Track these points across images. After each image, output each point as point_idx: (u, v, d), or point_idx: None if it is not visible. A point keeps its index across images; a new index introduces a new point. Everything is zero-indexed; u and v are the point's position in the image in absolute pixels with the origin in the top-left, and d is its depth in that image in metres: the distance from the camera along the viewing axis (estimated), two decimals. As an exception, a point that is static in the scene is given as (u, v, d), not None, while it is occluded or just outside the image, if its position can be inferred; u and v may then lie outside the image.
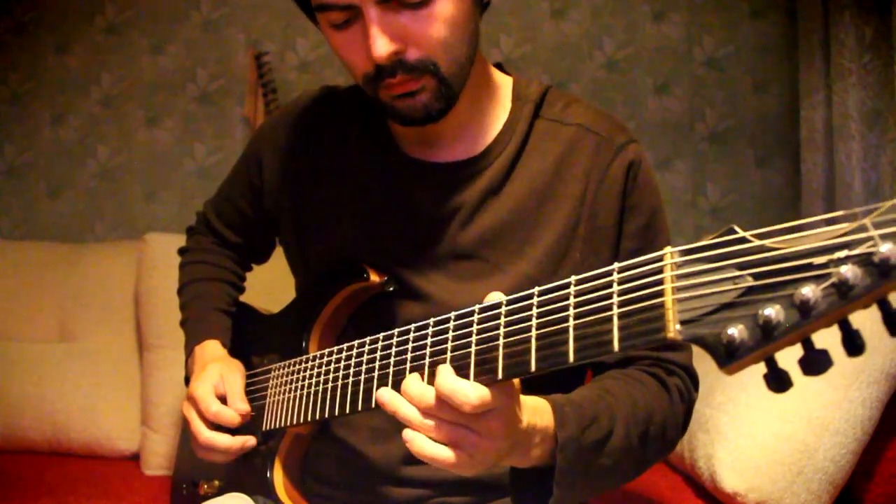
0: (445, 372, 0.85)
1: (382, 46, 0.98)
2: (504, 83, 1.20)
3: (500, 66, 1.23)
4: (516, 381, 0.85)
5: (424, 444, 0.84)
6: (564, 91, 1.22)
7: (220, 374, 1.23)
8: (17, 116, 2.88)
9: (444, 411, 0.83)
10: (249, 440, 1.19)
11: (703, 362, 1.57)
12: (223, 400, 1.21)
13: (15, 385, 2.23)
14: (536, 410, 0.92)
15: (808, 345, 0.55)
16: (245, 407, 1.20)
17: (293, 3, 1.10)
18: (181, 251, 1.50)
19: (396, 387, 0.92)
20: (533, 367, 0.76)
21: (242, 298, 1.49)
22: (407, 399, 0.86)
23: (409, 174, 1.17)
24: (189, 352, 1.34)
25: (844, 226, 0.52)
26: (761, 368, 0.59)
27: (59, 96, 2.87)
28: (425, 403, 0.84)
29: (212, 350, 1.31)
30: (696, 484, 1.74)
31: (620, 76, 2.72)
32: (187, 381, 1.33)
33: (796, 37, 2.49)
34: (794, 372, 0.57)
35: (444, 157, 1.17)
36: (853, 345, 0.52)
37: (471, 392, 0.81)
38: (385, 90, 1.05)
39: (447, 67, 1.03)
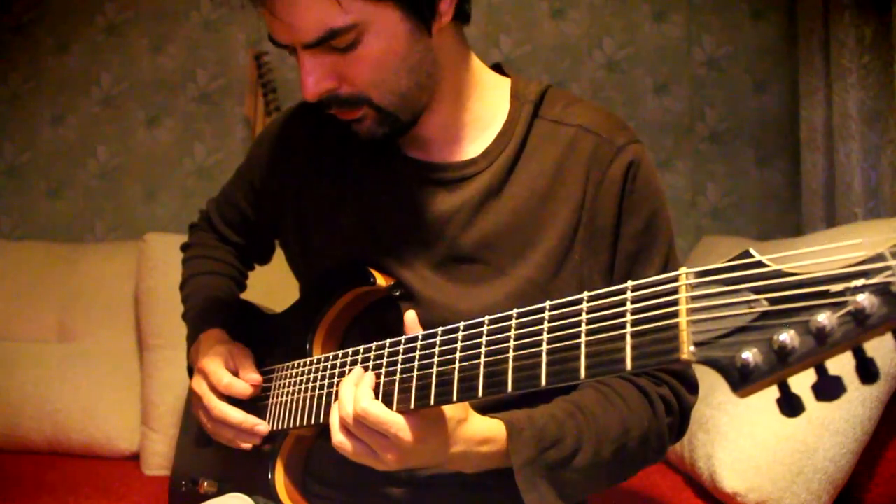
0: (348, 378, 0.98)
1: (310, 88, 1.03)
2: (501, 84, 1.19)
3: (498, 67, 1.23)
4: (453, 422, 0.97)
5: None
6: (565, 91, 1.22)
7: (227, 352, 1.24)
8: (17, 116, 2.87)
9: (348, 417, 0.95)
10: (261, 424, 1.20)
11: (703, 363, 1.57)
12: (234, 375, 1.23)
13: (15, 385, 2.24)
14: (484, 440, 1.00)
15: (821, 371, 0.56)
16: (257, 377, 1.21)
17: None
18: (184, 247, 1.50)
19: (405, 393, 0.94)
20: (543, 382, 0.77)
21: (244, 297, 1.49)
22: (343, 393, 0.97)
23: (408, 174, 1.17)
24: (191, 341, 1.35)
25: (862, 254, 0.52)
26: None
27: (59, 96, 2.86)
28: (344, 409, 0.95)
29: (215, 336, 1.32)
30: (696, 484, 1.74)
31: (620, 76, 2.72)
32: (190, 372, 1.33)
33: (796, 37, 2.49)
34: (806, 395, 0.57)
35: (442, 157, 1.17)
36: (867, 373, 0.53)
37: (348, 404, 0.94)
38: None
39: (382, 100, 1.06)
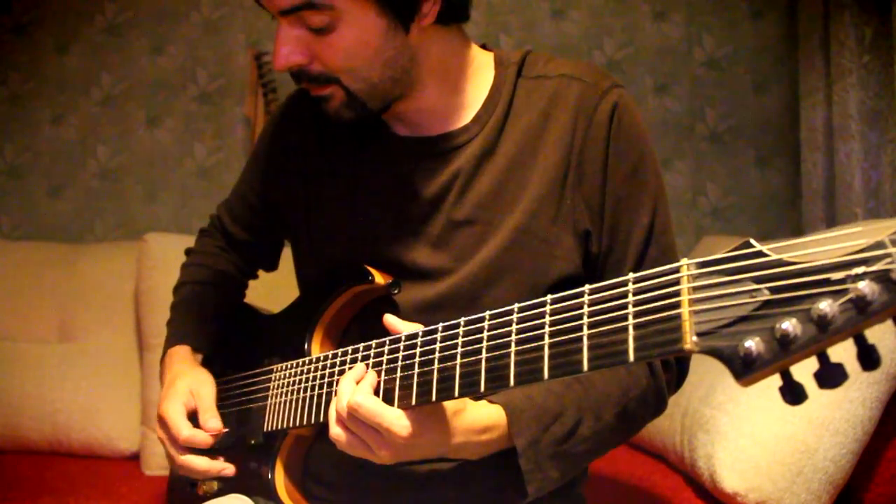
0: (349, 374, 0.98)
1: (281, 59, 1.05)
2: (485, 57, 1.20)
3: (485, 48, 1.23)
4: (449, 412, 0.96)
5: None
6: (545, 53, 1.22)
7: (188, 389, 1.24)
8: (17, 116, 2.88)
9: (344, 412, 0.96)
10: (227, 468, 1.20)
11: (702, 363, 1.57)
12: (195, 415, 1.21)
13: (15, 385, 2.24)
14: (484, 429, 1.01)
15: (823, 358, 0.56)
16: (217, 425, 1.20)
17: None
18: (187, 251, 1.51)
19: (406, 390, 0.94)
20: (546, 375, 0.77)
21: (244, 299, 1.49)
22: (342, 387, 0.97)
23: (405, 152, 1.17)
24: (163, 354, 1.36)
25: (862, 242, 0.52)
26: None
27: (59, 96, 2.87)
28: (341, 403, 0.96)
29: (180, 358, 1.32)
30: (696, 484, 1.74)
31: (620, 76, 2.72)
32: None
33: (796, 37, 2.49)
34: (808, 384, 0.58)
35: (436, 130, 1.17)
36: (869, 359, 0.53)
37: (344, 397, 0.94)
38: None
39: (352, 85, 1.07)
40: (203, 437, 1.18)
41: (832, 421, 1.48)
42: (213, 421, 1.20)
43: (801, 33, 2.44)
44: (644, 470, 1.90)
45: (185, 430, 1.18)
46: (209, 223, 1.51)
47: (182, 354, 1.33)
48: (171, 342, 1.36)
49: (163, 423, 1.21)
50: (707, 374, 1.71)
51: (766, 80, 2.71)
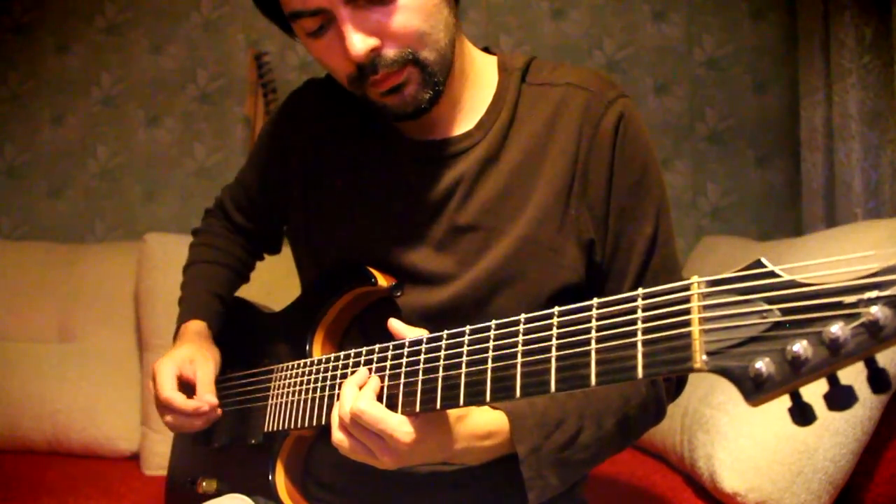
0: (352, 378, 0.98)
1: (358, 43, 1.00)
2: (489, 60, 1.20)
3: (486, 49, 1.23)
4: (452, 418, 0.97)
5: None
6: (549, 60, 1.22)
7: (189, 358, 1.24)
8: (17, 116, 2.88)
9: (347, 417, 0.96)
10: (202, 406, 1.20)
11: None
12: (186, 384, 1.22)
13: (15, 385, 2.24)
14: (487, 435, 1.02)
15: (833, 380, 0.56)
16: (213, 400, 1.21)
17: None
18: (194, 231, 1.50)
19: (410, 397, 0.94)
20: (553, 388, 0.76)
21: (244, 296, 1.49)
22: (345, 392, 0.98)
23: (408, 155, 1.17)
24: (176, 330, 1.35)
25: (875, 265, 0.52)
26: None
27: (59, 96, 2.87)
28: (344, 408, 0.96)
29: (194, 330, 1.31)
30: (696, 484, 1.74)
31: (620, 76, 2.72)
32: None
33: (796, 37, 2.49)
34: (817, 404, 0.58)
35: (440, 135, 1.17)
36: (879, 383, 0.53)
37: (347, 403, 0.95)
38: (372, 88, 1.06)
39: (427, 55, 1.04)
40: (181, 403, 1.19)
41: (832, 421, 1.48)
42: (208, 396, 1.21)
43: (801, 33, 2.44)
44: (644, 470, 1.91)
45: (165, 389, 1.19)
46: (213, 204, 1.51)
47: (196, 327, 1.32)
48: (184, 317, 1.35)
49: (153, 377, 1.22)
50: (706, 374, 1.71)
51: (766, 80, 2.72)
